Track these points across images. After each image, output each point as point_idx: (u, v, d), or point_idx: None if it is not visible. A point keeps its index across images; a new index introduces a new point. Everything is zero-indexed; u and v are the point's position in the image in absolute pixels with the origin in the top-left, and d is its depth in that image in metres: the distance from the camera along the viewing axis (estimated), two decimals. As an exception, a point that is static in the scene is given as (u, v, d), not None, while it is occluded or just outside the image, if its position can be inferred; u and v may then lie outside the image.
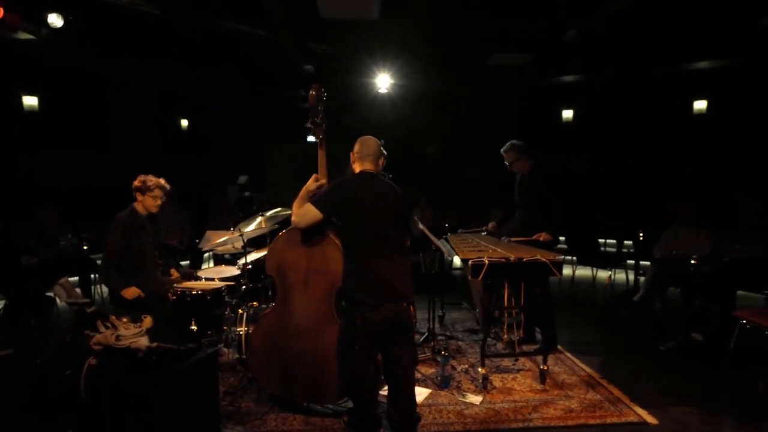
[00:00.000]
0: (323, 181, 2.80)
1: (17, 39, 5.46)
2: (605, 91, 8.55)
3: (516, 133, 4.66)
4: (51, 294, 5.14)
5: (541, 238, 3.96)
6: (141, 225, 3.76)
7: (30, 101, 6.86)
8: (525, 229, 4.12)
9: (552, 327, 4.04)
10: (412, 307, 2.60)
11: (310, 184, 2.74)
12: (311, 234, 2.79)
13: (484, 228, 4.53)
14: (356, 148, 2.70)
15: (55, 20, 4.91)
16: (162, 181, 3.81)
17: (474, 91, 9.39)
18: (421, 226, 3.95)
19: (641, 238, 5.83)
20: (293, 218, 2.62)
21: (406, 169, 9.40)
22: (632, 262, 6.04)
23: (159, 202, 3.81)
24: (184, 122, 9.67)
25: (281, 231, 3.01)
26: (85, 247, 5.30)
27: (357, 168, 2.69)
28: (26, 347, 4.22)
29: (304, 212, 2.56)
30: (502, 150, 4.21)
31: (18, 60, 6.45)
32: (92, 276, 5.57)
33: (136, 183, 3.76)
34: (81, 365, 2.30)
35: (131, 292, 3.62)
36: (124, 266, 3.67)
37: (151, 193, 3.74)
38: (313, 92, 2.84)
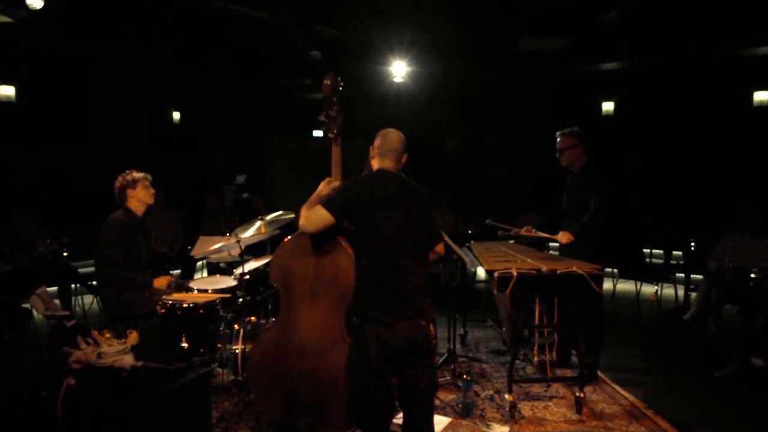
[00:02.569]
0: (337, 183, 2.79)
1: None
2: (651, 79, 8.47)
3: (547, 127, 4.62)
4: (27, 305, 5.22)
5: (562, 239, 3.78)
6: (137, 225, 3.89)
7: (6, 91, 6.99)
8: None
9: (596, 355, 3.93)
10: (431, 326, 2.57)
11: (323, 189, 2.73)
12: (321, 240, 2.79)
13: (513, 230, 4.26)
14: (377, 142, 2.67)
15: (34, 1, 5.00)
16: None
17: (500, 79, 9.36)
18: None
19: (693, 248, 5.74)
20: (300, 222, 2.61)
21: (423, 167, 9.43)
22: (682, 275, 5.95)
23: (152, 190, 3.93)
24: (176, 115, 9.78)
25: (284, 237, 3.01)
26: (65, 254, 5.37)
27: (375, 164, 2.66)
28: (-1, 364, 4.28)
29: (312, 215, 2.56)
30: (558, 132, 4.04)
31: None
32: (73, 286, 5.64)
33: (120, 183, 3.83)
34: (59, 385, 2.32)
35: (163, 281, 3.86)
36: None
37: (140, 183, 3.85)
38: (327, 82, 2.84)
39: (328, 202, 2.55)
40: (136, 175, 3.84)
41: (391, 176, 2.62)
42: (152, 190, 3.93)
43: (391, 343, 2.44)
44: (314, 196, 2.71)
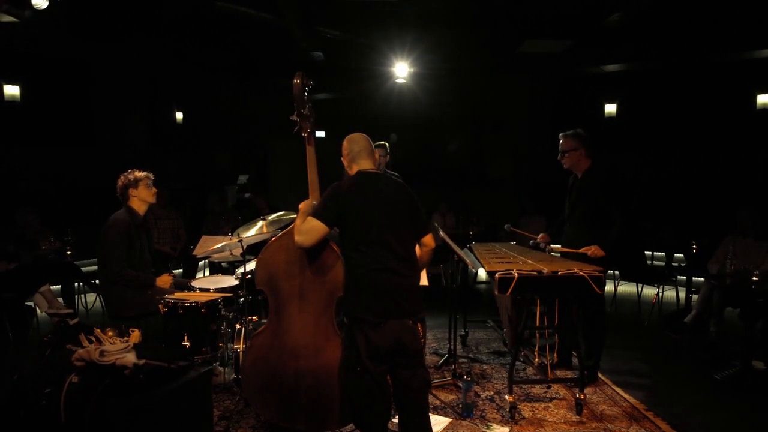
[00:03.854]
0: (315, 194, 2.83)
1: (-3, 23, 5.62)
2: (653, 82, 8.46)
3: (550, 129, 4.61)
4: (30, 303, 5.24)
5: (589, 253, 3.69)
6: (140, 224, 3.91)
7: (11, 90, 7.02)
8: (573, 246, 3.84)
9: (597, 356, 3.93)
10: (419, 326, 2.58)
11: (307, 205, 2.75)
12: None
13: (531, 240, 4.29)
14: (345, 149, 2.74)
15: (39, 1, 5.02)
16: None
17: (503, 81, 9.36)
18: (442, 234, 3.94)
19: (694, 251, 5.73)
20: (296, 237, 2.59)
21: (424, 168, 9.44)
22: (683, 278, 5.94)
23: (154, 189, 3.96)
24: (179, 115, 9.79)
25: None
26: (68, 253, 5.39)
27: (353, 168, 2.71)
28: (2, 361, 4.30)
29: (307, 228, 2.55)
30: (561, 134, 3.98)
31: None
32: (76, 284, 5.66)
33: (122, 182, 3.86)
34: (61, 383, 2.33)
35: (165, 280, 3.87)
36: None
37: (142, 183, 3.88)
38: (297, 81, 2.83)
39: (317, 212, 2.56)
40: (138, 174, 3.87)
41: (373, 176, 2.65)
42: (154, 190, 3.96)
43: (380, 343, 2.46)
44: (302, 207, 2.73)
